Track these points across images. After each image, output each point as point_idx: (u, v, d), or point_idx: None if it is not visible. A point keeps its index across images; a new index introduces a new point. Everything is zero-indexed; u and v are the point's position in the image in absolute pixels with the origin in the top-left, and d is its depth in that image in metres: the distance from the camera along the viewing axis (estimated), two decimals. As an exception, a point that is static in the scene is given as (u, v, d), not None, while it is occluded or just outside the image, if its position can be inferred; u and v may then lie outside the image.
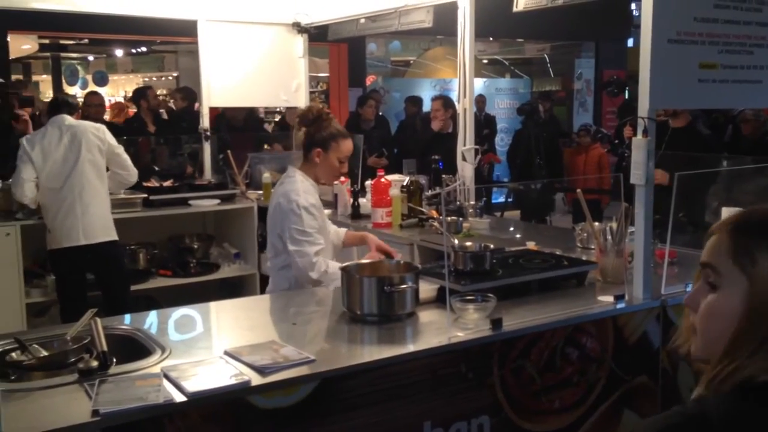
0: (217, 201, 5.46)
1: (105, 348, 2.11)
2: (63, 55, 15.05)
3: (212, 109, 6.18)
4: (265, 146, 7.79)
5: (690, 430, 1.04)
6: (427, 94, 11.16)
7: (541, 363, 2.46)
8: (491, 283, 2.63)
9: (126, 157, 4.76)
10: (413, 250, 4.12)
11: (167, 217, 5.39)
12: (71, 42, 13.87)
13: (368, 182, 4.79)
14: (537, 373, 2.45)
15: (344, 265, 2.73)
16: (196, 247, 5.69)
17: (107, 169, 4.67)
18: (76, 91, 14.38)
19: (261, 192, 5.74)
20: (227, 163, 5.83)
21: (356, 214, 4.79)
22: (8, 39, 9.16)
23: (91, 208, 4.47)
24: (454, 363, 2.28)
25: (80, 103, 6.70)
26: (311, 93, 7.08)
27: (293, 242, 3.11)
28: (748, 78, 2.83)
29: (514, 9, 4.47)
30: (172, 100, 10.97)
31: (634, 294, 2.73)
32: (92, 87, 14.21)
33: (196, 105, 7.25)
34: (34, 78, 15.31)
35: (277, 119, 12.56)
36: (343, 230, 3.67)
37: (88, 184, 4.48)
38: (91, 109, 6.85)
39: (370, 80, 12.62)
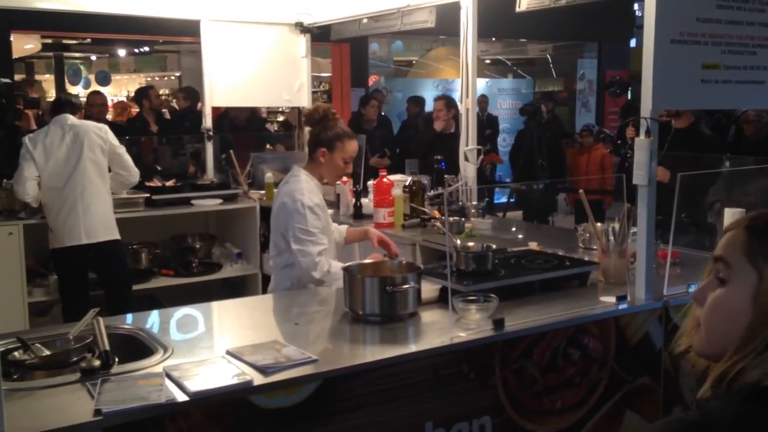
0: (220, 201, 5.46)
1: (107, 347, 2.12)
2: (66, 54, 15.07)
3: (215, 109, 6.19)
4: (268, 146, 7.79)
5: None
6: (429, 94, 11.16)
7: (543, 363, 2.46)
8: (493, 284, 2.63)
9: (127, 157, 4.77)
10: (415, 250, 4.12)
11: (169, 216, 5.40)
12: (74, 41, 13.87)
13: (370, 182, 4.79)
14: (539, 373, 2.45)
15: (346, 265, 2.73)
16: (198, 246, 5.70)
17: (109, 170, 4.68)
18: (78, 91, 14.40)
19: (263, 192, 5.74)
20: (230, 162, 5.84)
21: (358, 214, 4.79)
22: (11, 38, 9.16)
23: (93, 207, 4.48)
24: (456, 363, 2.28)
25: (83, 103, 6.72)
26: (313, 93, 7.08)
27: (297, 241, 3.11)
28: (751, 78, 2.82)
29: (517, 9, 4.47)
30: (174, 100, 10.99)
31: (636, 295, 2.72)
32: (95, 87, 14.22)
33: (199, 105, 7.26)
34: (37, 77, 15.33)
35: (279, 119, 12.58)
36: (344, 227, 3.67)
37: (90, 183, 4.49)
38: (94, 108, 6.85)
39: (372, 80, 12.61)
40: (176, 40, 12.00)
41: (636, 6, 13.04)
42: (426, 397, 2.23)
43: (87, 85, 14.91)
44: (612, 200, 7.60)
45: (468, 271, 2.73)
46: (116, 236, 4.60)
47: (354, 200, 4.84)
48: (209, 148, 5.99)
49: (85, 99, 8.01)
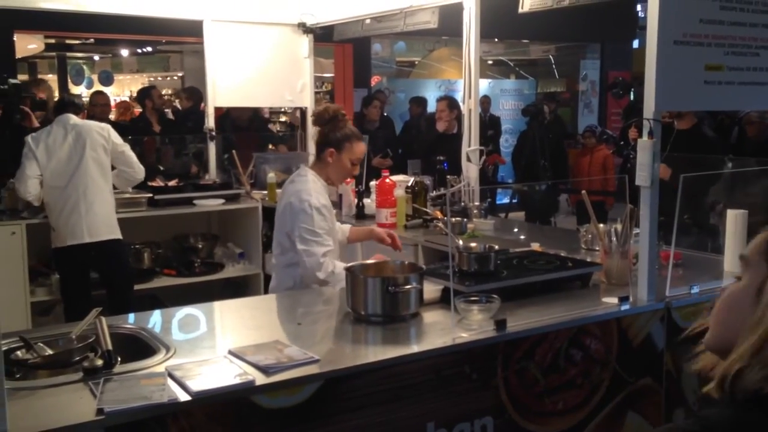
0: (222, 201, 5.47)
1: (110, 347, 2.12)
2: (69, 54, 15.07)
3: (217, 109, 6.19)
4: (270, 146, 7.79)
5: None
6: (431, 94, 11.16)
7: (545, 364, 2.46)
8: (495, 284, 2.63)
9: (131, 154, 4.77)
10: (417, 250, 4.12)
11: (172, 216, 5.40)
12: (77, 42, 13.88)
13: (373, 182, 4.79)
14: (541, 374, 2.45)
15: (349, 265, 2.73)
16: (200, 246, 5.71)
17: (113, 168, 4.69)
18: (81, 91, 14.40)
19: (266, 192, 5.75)
20: (232, 162, 5.84)
21: (361, 214, 4.79)
22: (14, 38, 9.18)
23: (95, 206, 4.49)
24: (458, 364, 2.28)
25: (86, 103, 6.72)
26: (316, 93, 7.08)
27: (302, 242, 3.12)
28: (754, 80, 2.82)
29: (520, 10, 4.48)
30: (177, 100, 10.99)
31: (638, 296, 2.72)
32: (98, 86, 14.22)
33: (202, 105, 7.25)
34: (40, 77, 15.34)
35: (282, 119, 12.59)
36: (347, 226, 3.68)
37: (92, 182, 4.50)
38: (97, 108, 6.87)
39: (375, 81, 12.62)
40: (179, 41, 12.00)
41: (639, 7, 13.03)
42: (428, 397, 2.23)
43: (90, 85, 14.91)
44: (614, 201, 7.60)
45: (470, 271, 2.73)
46: (118, 235, 4.61)
47: (356, 200, 4.84)
48: (212, 148, 6.00)
49: (88, 99, 8.02)
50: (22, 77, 11.88)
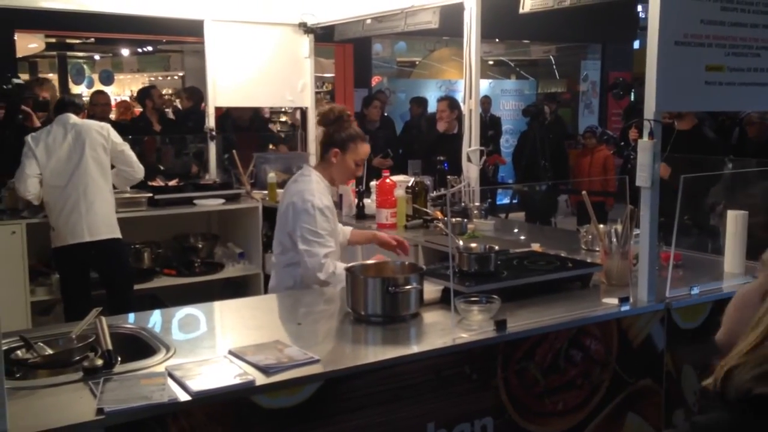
0: (222, 201, 5.47)
1: (110, 347, 2.12)
2: (69, 54, 15.07)
3: (217, 109, 6.20)
4: (271, 146, 7.79)
5: None
6: (432, 95, 11.16)
7: (545, 365, 2.46)
8: (496, 285, 2.63)
9: (131, 153, 4.77)
10: (418, 251, 4.12)
11: (172, 216, 5.40)
12: (78, 41, 13.88)
13: (373, 183, 4.79)
14: (541, 374, 2.45)
15: (349, 265, 2.73)
16: (200, 246, 5.70)
17: (112, 167, 4.69)
18: (82, 90, 14.41)
19: (266, 192, 5.75)
20: (232, 162, 5.84)
21: (361, 214, 4.79)
22: (15, 38, 9.18)
23: (95, 206, 4.49)
24: (458, 364, 2.28)
25: (86, 103, 6.72)
26: (316, 93, 7.09)
27: (304, 242, 3.12)
28: (754, 81, 2.82)
29: (521, 10, 4.48)
30: (178, 100, 10.99)
31: (638, 296, 2.72)
32: (98, 86, 14.22)
33: (202, 105, 7.25)
34: (43, 76, 15.33)
35: (282, 119, 12.59)
36: (348, 229, 3.67)
37: (92, 182, 4.50)
38: (98, 108, 6.87)
39: (375, 81, 12.62)
40: (180, 40, 12.00)
41: (639, 8, 13.02)
42: (428, 397, 2.23)
43: (90, 85, 14.91)
44: (614, 202, 7.60)
45: (470, 272, 2.73)
46: (118, 235, 4.61)
47: (357, 201, 4.84)
48: (212, 148, 6.00)
49: (88, 98, 8.02)
50: (23, 76, 11.87)
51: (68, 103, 4.78)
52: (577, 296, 2.80)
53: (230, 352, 2.19)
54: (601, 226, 3.16)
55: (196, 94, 8.22)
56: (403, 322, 2.50)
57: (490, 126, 10.18)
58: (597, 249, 3.39)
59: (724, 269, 3.17)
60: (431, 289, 2.69)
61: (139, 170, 4.81)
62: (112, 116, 8.28)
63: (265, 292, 4.10)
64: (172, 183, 5.60)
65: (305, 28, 6.03)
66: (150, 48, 15.27)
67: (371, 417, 2.13)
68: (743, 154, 6.95)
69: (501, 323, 2.38)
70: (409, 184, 4.58)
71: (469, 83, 4.77)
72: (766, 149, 6.78)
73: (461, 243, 3.07)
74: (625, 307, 2.66)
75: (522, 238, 4.40)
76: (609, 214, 6.97)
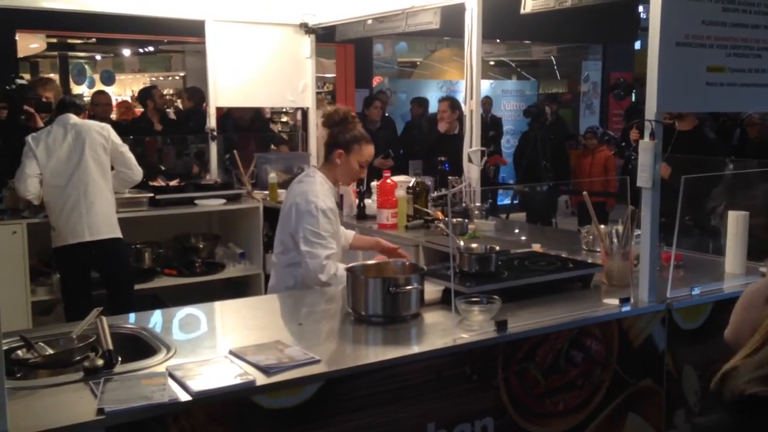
0: (223, 201, 5.47)
1: (110, 347, 2.12)
2: (70, 54, 15.08)
3: (218, 109, 6.20)
4: (272, 147, 7.79)
5: None
6: (433, 95, 11.16)
7: (545, 365, 2.46)
8: (496, 285, 2.63)
9: (130, 155, 4.77)
10: (418, 251, 4.12)
11: (173, 216, 5.41)
12: (79, 41, 13.89)
13: (374, 183, 4.79)
14: (541, 375, 2.45)
15: (350, 266, 2.73)
16: (201, 246, 5.71)
17: (112, 168, 4.70)
18: (83, 90, 14.42)
19: (267, 192, 5.75)
20: (233, 162, 5.84)
21: (362, 215, 4.79)
22: (16, 38, 9.18)
23: (95, 205, 4.49)
24: (459, 364, 2.28)
25: (87, 103, 6.72)
26: (317, 94, 7.09)
27: (306, 243, 3.12)
28: (755, 81, 2.82)
29: (522, 11, 4.48)
30: (179, 100, 10.99)
31: (639, 297, 2.72)
32: (99, 86, 14.24)
33: (204, 105, 7.26)
34: (46, 76, 15.33)
35: (284, 120, 12.59)
36: (351, 233, 3.67)
37: (92, 181, 4.50)
38: (99, 108, 6.88)
39: (376, 81, 12.62)
40: (181, 40, 12.01)
41: (641, 8, 13.02)
42: (428, 398, 2.23)
43: (92, 85, 14.92)
44: (615, 202, 7.60)
45: (471, 272, 2.73)
46: (118, 235, 4.61)
47: (357, 201, 4.84)
48: (213, 148, 6.00)
49: (89, 99, 8.02)
50: (25, 76, 11.87)
51: (69, 104, 4.79)
52: (577, 297, 2.80)
53: (231, 353, 2.19)
54: (602, 226, 3.16)
55: (197, 94, 8.22)
56: (404, 323, 2.50)
57: (491, 126, 10.18)
58: (598, 249, 3.39)
59: (725, 270, 3.17)
60: (432, 290, 2.69)
61: (137, 172, 4.81)
62: (113, 116, 8.28)
63: (266, 292, 4.10)
64: (173, 183, 5.60)
65: (306, 28, 6.03)
66: (151, 48, 15.28)
67: (372, 417, 2.14)
68: (744, 155, 6.95)
69: (502, 324, 2.38)
70: (410, 185, 4.58)
71: (470, 84, 4.77)
72: (767, 150, 6.78)
73: (462, 243, 3.07)
74: (626, 308, 2.66)
75: (523, 238, 4.40)
76: (610, 215, 6.97)
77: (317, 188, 3.21)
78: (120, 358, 2.13)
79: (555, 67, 15.67)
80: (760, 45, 2.80)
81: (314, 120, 6.40)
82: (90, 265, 4.61)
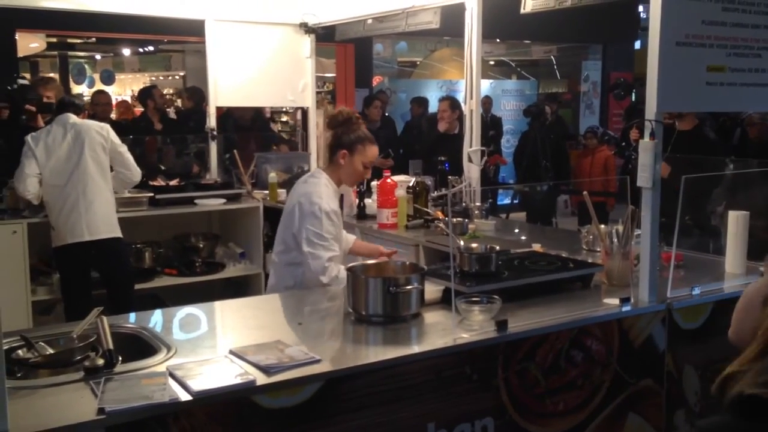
0: (223, 200, 5.47)
1: (111, 346, 2.12)
2: (70, 53, 15.08)
3: (218, 108, 6.20)
4: (274, 147, 7.80)
5: None
6: (433, 95, 11.16)
7: (545, 365, 2.46)
8: (496, 285, 2.63)
9: (129, 156, 4.77)
10: (418, 251, 4.12)
11: (173, 216, 5.41)
12: (79, 41, 13.89)
13: (374, 183, 4.79)
14: (542, 375, 2.45)
15: (350, 265, 2.74)
16: (201, 246, 5.70)
17: (111, 169, 4.70)
18: (83, 90, 14.42)
19: (267, 192, 5.75)
20: (233, 162, 5.84)
21: (362, 214, 4.79)
22: (16, 37, 9.18)
23: (94, 205, 4.49)
24: (459, 364, 2.28)
25: (87, 103, 6.72)
26: (317, 93, 7.08)
27: (309, 244, 3.12)
28: (756, 81, 2.82)
29: (522, 10, 4.47)
30: (179, 100, 10.98)
31: (639, 297, 2.72)
32: (99, 86, 14.24)
33: (204, 104, 7.26)
34: (48, 75, 15.31)
35: (284, 119, 12.59)
36: (352, 237, 3.67)
37: (91, 181, 4.50)
38: (98, 107, 6.89)
39: (376, 81, 12.62)
40: (181, 40, 12.00)
41: (641, 8, 13.02)
42: (428, 398, 2.23)
43: (91, 84, 14.92)
44: (615, 202, 7.60)
45: (471, 272, 2.73)
46: (118, 234, 4.61)
47: (357, 201, 4.84)
48: (213, 147, 6.00)
49: (89, 98, 8.02)
50: (25, 76, 11.87)
51: (68, 104, 4.79)
52: (578, 296, 2.80)
53: (231, 352, 2.19)
54: (602, 226, 3.16)
55: (197, 94, 8.22)
56: (404, 322, 2.50)
57: (491, 126, 10.18)
58: (598, 249, 3.39)
59: (725, 270, 3.17)
60: (432, 289, 2.69)
61: (136, 173, 4.81)
62: (113, 116, 8.27)
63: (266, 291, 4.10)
64: (173, 183, 5.60)
65: (306, 28, 6.03)
66: (151, 48, 15.28)
67: (372, 417, 2.14)
68: (744, 155, 6.95)
69: (502, 323, 2.38)
70: (410, 184, 4.58)
71: (470, 83, 4.77)
72: (767, 150, 6.78)
73: (462, 243, 3.07)
74: (626, 308, 2.66)
75: (523, 238, 4.40)
76: (610, 215, 6.97)
77: (322, 190, 3.22)
78: (120, 358, 2.13)
79: (555, 67, 15.67)
80: (760, 45, 2.80)
81: (314, 120, 6.40)
82: (90, 264, 4.61)
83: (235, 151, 5.90)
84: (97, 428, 1.78)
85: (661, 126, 2.64)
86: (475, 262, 2.76)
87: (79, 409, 1.83)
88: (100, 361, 2.06)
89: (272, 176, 5.74)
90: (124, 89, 16.13)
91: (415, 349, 2.31)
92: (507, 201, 9.69)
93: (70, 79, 14.69)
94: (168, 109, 8.96)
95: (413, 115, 9.93)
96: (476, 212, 4.49)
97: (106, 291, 4.70)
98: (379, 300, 2.48)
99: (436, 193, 4.86)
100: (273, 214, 5.33)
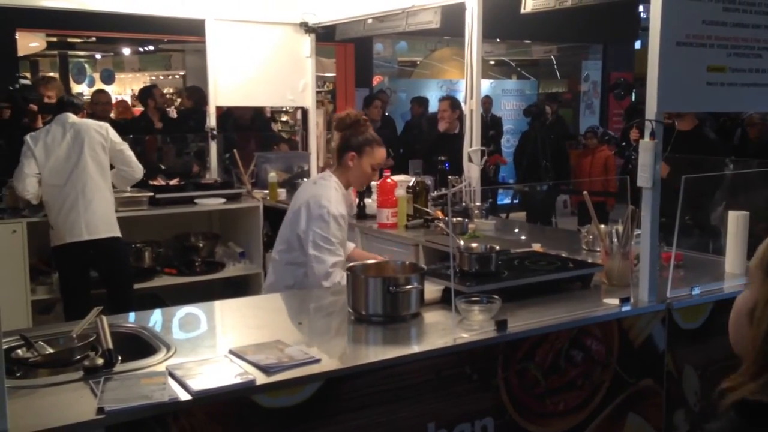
0: (223, 200, 5.47)
1: (110, 346, 2.12)
2: (70, 53, 15.08)
3: (218, 108, 6.20)
4: (274, 146, 7.80)
5: None
6: (433, 94, 11.16)
7: (545, 365, 2.46)
8: (496, 285, 2.63)
9: (130, 153, 4.78)
10: (418, 250, 4.12)
11: (173, 215, 5.40)
12: (79, 40, 13.89)
13: (374, 182, 4.78)
14: (541, 375, 2.45)
15: (350, 265, 2.73)
16: (201, 245, 5.70)
17: (112, 167, 4.70)
18: (83, 89, 14.42)
19: (267, 191, 5.75)
20: (233, 162, 5.84)
21: (362, 214, 4.78)
22: (16, 36, 9.18)
23: (93, 204, 4.50)
24: (459, 364, 2.28)
25: (87, 102, 6.72)
26: (317, 93, 7.08)
27: (315, 247, 3.12)
28: (756, 81, 2.82)
29: (522, 10, 4.47)
30: (179, 99, 10.98)
31: (639, 297, 2.72)
32: (99, 85, 14.25)
33: (204, 104, 7.25)
34: (49, 75, 15.31)
35: (284, 119, 12.60)
36: (351, 245, 3.67)
37: (90, 180, 4.50)
38: (98, 107, 6.89)
39: (376, 80, 12.61)
40: (181, 39, 12.00)
41: (641, 8, 13.01)
42: (428, 397, 2.23)
43: (91, 84, 14.92)
44: (615, 202, 7.60)
45: (471, 272, 2.73)
46: (117, 234, 4.61)
47: (357, 200, 4.83)
48: (213, 147, 6.00)
49: (89, 97, 8.02)
50: (27, 76, 11.87)
51: (68, 103, 4.79)
52: (577, 296, 2.80)
53: (231, 352, 2.19)
54: (602, 226, 3.16)
55: (197, 93, 8.22)
56: (404, 322, 2.50)
57: (491, 126, 10.18)
58: (598, 249, 3.39)
59: (725, 270, 3.17)
60: (432, 289, 2.69)
61: (138, 170, 4.82)
62: (112, 115, 8.27)
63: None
64: (173, 182, 5.60)
65: (306, 27, 6.03)
66: (151, 47, 15.28)
67: (372, 417, 2.13)
68: (745, 155, 6.95)
69: (502, 323, 2.38)
70: (410, 184, 4.58)
71: (470, 83, 4.77)
72: (767, 150, 6.78)
73: (462, 243, 3.07)
74: (626, 308, 2.66)
75: (523, 238, 4.40)
76: (610, 215, 6.97)
77: (331, 193, 3.22)
78: (120, 358, 2.13)
79: (555, 67, 15.66)
80: (760, 45, 2.79)
81: (314, 119, 6.40)
82: (89, 264, 4.61)
83: (235, 150, 5.90)
84: (97, 428, 1.78)
85: (661, 126, 2.64)
86: (475, 261, 2.75)
87: (79, 408, 1.82)
88: (100, 361, 2.06)
89: (272, 176, 5.74)
90: (124, 89, 16.14)
91: (415, 348, 2.31)
92: (507, 201, 9.69)
93: (70, 79, 14.69)
94: (168, 109, 8.95)
95: (413, 115, 9.93)
96: (476, 212, 4.49)
97: (105, 290, 4.69)
98: (379, 300, 2.48)
99: (436, 193, 4.86)
100: (273, 214, 5.34)
